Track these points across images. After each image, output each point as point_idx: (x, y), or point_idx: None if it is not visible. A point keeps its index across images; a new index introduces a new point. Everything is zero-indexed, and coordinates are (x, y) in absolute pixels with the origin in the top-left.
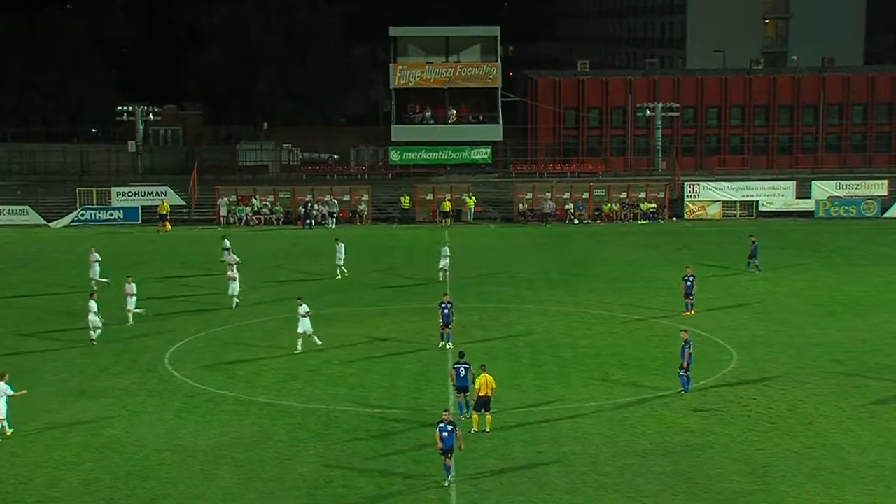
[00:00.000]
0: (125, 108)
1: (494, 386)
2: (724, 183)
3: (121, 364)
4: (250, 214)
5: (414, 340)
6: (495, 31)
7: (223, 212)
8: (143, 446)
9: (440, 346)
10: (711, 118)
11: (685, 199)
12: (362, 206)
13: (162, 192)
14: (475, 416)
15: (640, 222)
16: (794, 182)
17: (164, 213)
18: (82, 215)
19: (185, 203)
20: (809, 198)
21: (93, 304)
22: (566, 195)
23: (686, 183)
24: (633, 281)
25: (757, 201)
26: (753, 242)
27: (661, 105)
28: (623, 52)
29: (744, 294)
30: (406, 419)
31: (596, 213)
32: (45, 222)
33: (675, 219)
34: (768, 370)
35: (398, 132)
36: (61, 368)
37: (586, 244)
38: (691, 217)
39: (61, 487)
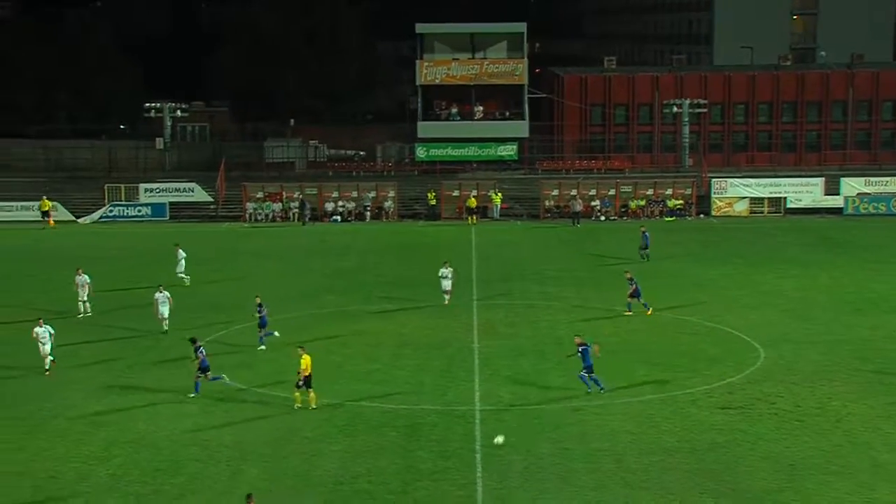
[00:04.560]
0: (153, 105)
1: (309, 367)
2: (751, 180)
3: (147, 360)
4: (277, 211)
5: (440, 337)
6: (522, 27)
7: (249, 209)
8: (170, 442)
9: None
10: (739, 115)
11: (712, 195)
12: (388, 203)
13: (189, 189)
14: (297, 394)
15: (666, 219)
16: (823, 179)
17: (48, 209)
18: (111, 211)
19: (212, 199)
20: (838, 194)
21: (160, 297)
22: (592, 192)
23: (713, 180)
24: (660, 278)
25: (785, 198)
26: (644, 234)
27: (688, 102)
28: (650, 48)
29: (771, 291)
30: (432, 415)
31: (622, 209)
32: (73, 218)
33: (702, 216)
34: (796, 368)
35: (424, 129)
36: (91, 363)
37: (612, 241)
38: (718, 214)
39: (91, 482)
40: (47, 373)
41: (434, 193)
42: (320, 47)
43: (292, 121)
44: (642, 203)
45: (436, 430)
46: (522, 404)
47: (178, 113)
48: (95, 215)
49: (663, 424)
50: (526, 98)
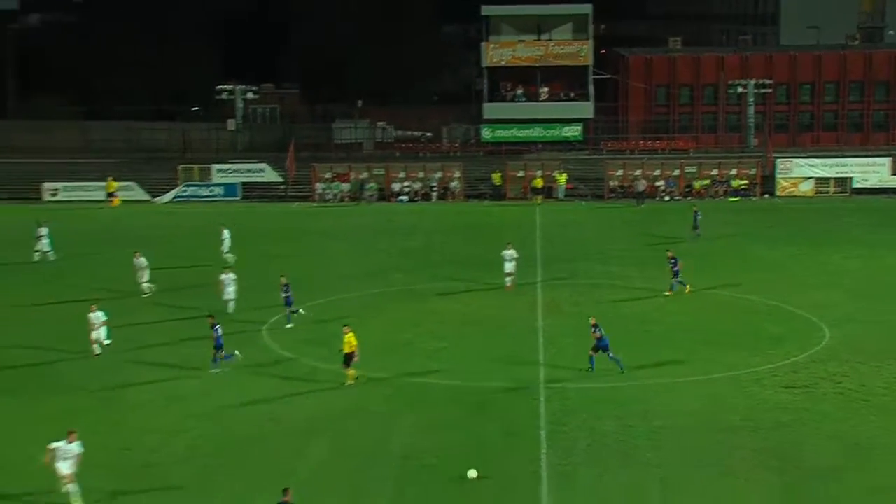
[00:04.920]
0: (225, 87)
1: (355, 343)
2: (817, 160)
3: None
4: (345, 191)
5: (505, 316)
6: (587, 9)
7: (318, 189)
8: (242, 416)
9: None
10: (805, 95)
11: (777, 176)
12: (454, 183)
13: (260, 169)
14: (349, 372)
15: (730, 199)
16: (890, 158)
17: (113, 190)
18: (184, 191)
19: (282, 180)
20: None
21: (226, 278)
22: (657, 172)
23: (778, 160)
24: (724, 258)
25: (851, 178)
26: (696, 213)
27: (753, 82)
28: (715, 29)
29: (837, 271)
30: (497, 392)
31: (687, 189)
32: (149, 198)
33: (766, 196)
34: (861, 348)
35: (490, 110)
36: (167, 339)
37: (676, 221)
38: (783, 194)
39: (165, 453)
40: (96, 356)
41: (499, 174)
42: (388, 30)
43: (360, 102)
44: (706, 183)
45: (501, 406)
46: (587, 381)
47: (250, 95)
48: (170, 195)
49: (727, 403)
50: (591, 79)
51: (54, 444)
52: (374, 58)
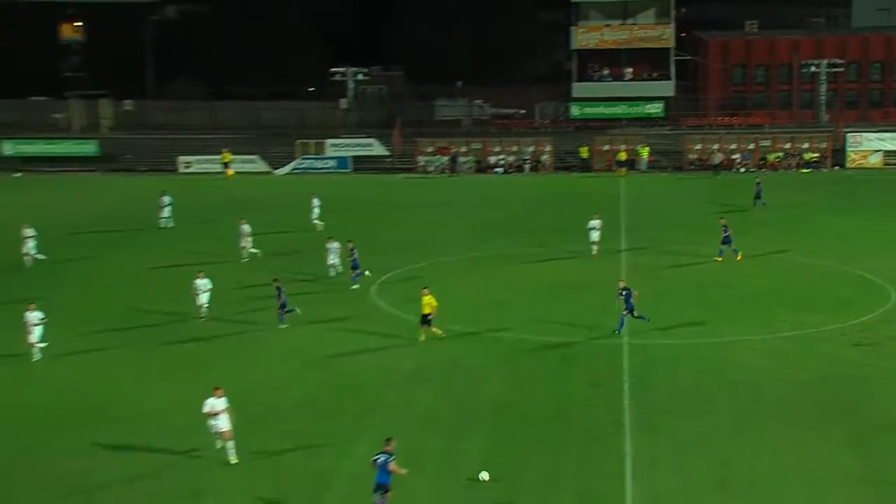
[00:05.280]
0: (338, 70)
1: (435, 304)
2: (886, 133)
3: (334, 295)
4: (445, 164)
5: (591, 279)
6: None
7: (421, 161)
8: (353, 367)
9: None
10: (875, 73)
11: (847, 149)
12: (545, 157)
13: (369, 144)
14: (423, 330)
15: (802, 171)
16: None
17: (228, 161)
18: (301, 164)
19: (388, 153)
20: None
21: (331, 247)
22: (733, 146)
23: (848, 134)
24: (797, 226)
25: None
26: (758, 185)
27: (825, 62)
28: (790, 12)
29: None
30: (584, 348)
31: (761, 162)
32: (270, 170)
33: (836, 168)
34: None
35: (578, 89)
36: (289, 294)
37: (751, 192)
38: (853, 166)
39: (286, 399)
40: (202, 319)
41: (587, 148)
42: (486, 17)
43: (460, 83)
44: (780, 156)
45: (588, 361)
46: (667, 338)
47: (360, 77)
48: (288, 167)
49: (798, 360)
50: (672, 60)
51: (207, 403)
52: (472, 42)
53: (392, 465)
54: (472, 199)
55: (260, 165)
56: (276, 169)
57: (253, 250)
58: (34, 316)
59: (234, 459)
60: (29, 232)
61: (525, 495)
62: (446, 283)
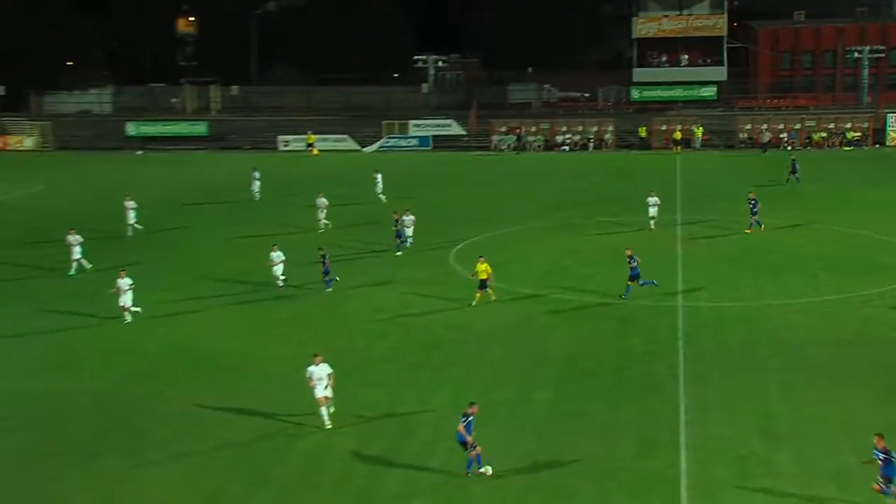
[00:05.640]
0: (420, 57)
1: (490, 271)
2: None
3: (415, 260)
4: (514, 142)
5: (649, 246)
6: None
7: (494, 140)
8: (433, 324)
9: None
10: None
11: (888, 128)
12: (607, 136)
13: (447, 124)
14: (478, 294)
15: (845, 149)
16: None
17: (312, 141)
18: (387, 142)
19: (465, 133)
20: None
21: (407, 219)
22: (781, 126)
23: (889, 114)
24: (841, 199)
25: None
26: (793, 161)
27: (868, 48)
28: (835, 1)
29: None
30: (643, 309)
31: (807, 140)
32: (359, 147)
33: (877, 146)
34: None
35: (638, 74)
36: (374, 262)
37: (798, 167)
38: (893, 144)
39: (373, 353)
40: (280, 288)
41: (645, 128)
42: (555, 8)
43: (530, 69)
44: (824, 135)
45: (645, 321)
46: (718, 301)
47: (440, 64)
48: (375, 145)
49: (840, 321)
50: (725, 47)
51: (308, 372)
52: (542, 31)
53: (461, 426)
54: (541, 174)
55: (350, 144)
56: (364, 147)
57: (325, 222)
58: (125, 282)
59: (328, 424)
60: (130, 204)
61: (589, 440)
62: (518, 250)
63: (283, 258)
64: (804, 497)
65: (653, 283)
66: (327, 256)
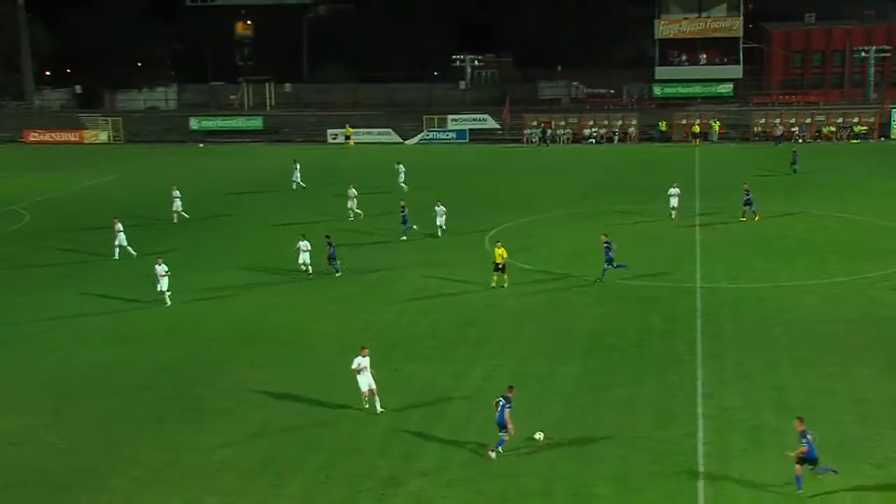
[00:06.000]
0: (458, 56)
1: (506, 255)
2: None
3: (453, 245)
4: (539, 135)
5: (669, 232)
6: None
7: (526, 134)
8: (470, 303)
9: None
10: None
11: (892, 122)
12: (631, 129)
13: (483, 119)
14: (495, 276)
15: (852, 142)
16: None
17: (349, 134)
18: (427, 136)
19: (499, 127)
20: None
21: (439, 209)
22: (792, 120)
23: (893, 110)
24: (848, 188)
25: None
26: (794, 153)
27: (874, 48)
28: (845, 5)
29: None
30: (663, 290)
31: (816, 134)
32: (401, 140)
33: (883, 139)
34: None
35: (660, 72)
36: (415, 245)
37: (808, 159)
38: None
39: (417, 328)
40: (310, 277)
41: (666, 122)
42: (582, 11)
43: (559, 67)
44: (833, 129)
45: (666, 301)
46: (734, 283)
47: (476, 63)
48: (416, 138)
49: (846, 301)
50: (740, 47)
51: (355, 362)
52: (570, 32)
53: (506, 414)
54: (569, 165)
55: (393, 137)
56: (406, 140)
57: (357, 211)
58: (161, 269)
59: (379, 409)
60: (176, 193)
61: (613, 411)
62: (548, 235)
63: (309, 248)
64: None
65: (624, 265)
66: (333, 243)
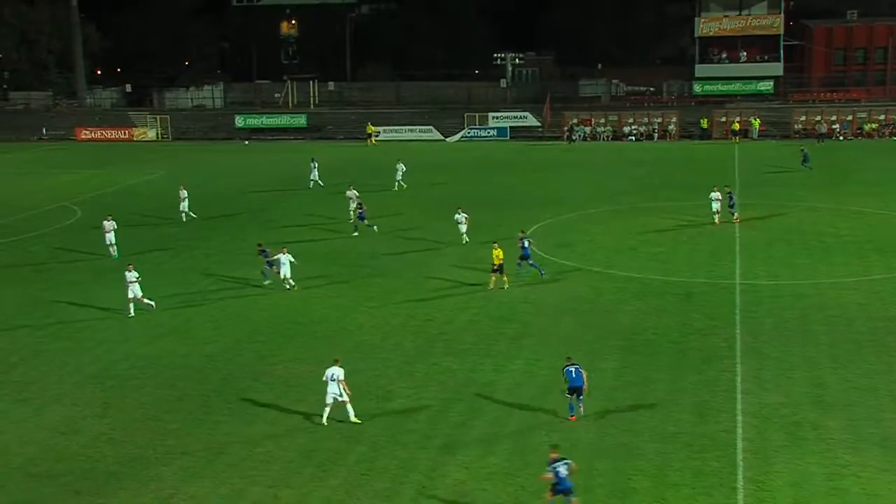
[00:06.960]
0: (499, 55)
1: (502, 256)
2: None
3: (492, 241)
4: (587, 133)
5: (709, 229)
6: None
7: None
8: (508, 298)
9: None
10: None
11: None
12: (671, 127)
13: (523, 116)
14: (493, 278)
15: (894, 139)
16: None
17: (371, 132)
18: (469, 133)
19: (539, 124)
20: None
21: (459, 217)
22: (833, 118)
23: None
24: (889, 185)
25: None
26: (803, 152)
27: None
28: (886, 1)
29: None
30: (703, 286)
31: (858, 131)
32: (442, 137)
33: None
34: None
35: (700, 70)
36: (451, 242)
37: (849, 156)
38: None
39: (455, 324)
40: (293, 288)
41: (706, 119)
42: (623, 9)
43: (600, 65)
44: (875, 126)
45: (705, 297)
46: (773, 280)
47: (517, 61)
48: (458, 136)
49: (887, 298)
50: (781, 45)
51: (327, 373)
52: (611, 30)
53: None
54: (610, 162)
55: (435, 134)
56: (447, 137)
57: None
58: (131, 275)
59: (353, 418)
60: (183, 193)
61: (652, 406)
62: (588, 231)
63: (293, 260)
64: (853, 461)
65: (538, 267)
66: (267, 251)
